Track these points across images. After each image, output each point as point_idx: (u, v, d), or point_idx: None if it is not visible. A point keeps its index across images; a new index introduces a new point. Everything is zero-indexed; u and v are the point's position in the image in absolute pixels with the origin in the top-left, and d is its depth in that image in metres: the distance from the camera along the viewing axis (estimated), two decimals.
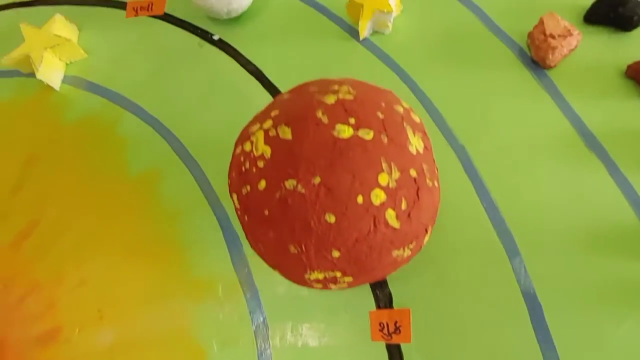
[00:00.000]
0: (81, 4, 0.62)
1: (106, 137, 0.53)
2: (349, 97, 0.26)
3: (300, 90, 0.28)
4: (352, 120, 0.25)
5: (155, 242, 0.46)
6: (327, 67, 0.50)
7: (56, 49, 0.55)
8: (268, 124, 0.26)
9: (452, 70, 0.47)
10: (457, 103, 0.45)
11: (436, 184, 0.28)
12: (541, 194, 0.40)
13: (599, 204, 0.39)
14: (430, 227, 0.29)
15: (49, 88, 0.57)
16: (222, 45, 0.54)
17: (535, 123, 0.43)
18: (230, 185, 0.29)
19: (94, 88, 0.56)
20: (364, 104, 0.26)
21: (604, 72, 0.44)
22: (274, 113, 0.27)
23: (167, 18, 0.58)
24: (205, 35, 0.55)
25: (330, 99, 0.26)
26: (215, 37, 0.55)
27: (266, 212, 0.25)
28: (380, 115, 0.26)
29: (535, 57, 0.44)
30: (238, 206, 0.28)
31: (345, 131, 0.25)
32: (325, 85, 0.28)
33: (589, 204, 0.39)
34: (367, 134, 0.25)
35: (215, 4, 0.49)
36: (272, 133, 0.26)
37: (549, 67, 0.44)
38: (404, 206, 0.25)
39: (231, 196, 0.29)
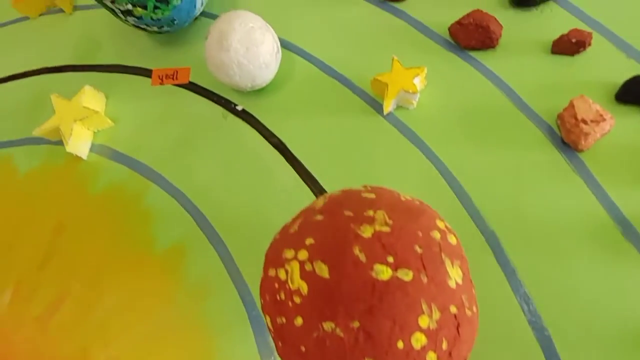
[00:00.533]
0: (108, 71, 0.63)
1: (132, 209, 0.54)
2: (386, 229, 0.26)
3: (333, 213, 0.28)
4: (390, 259, 0.24)
5: (181, 324, 0.46)
6: (350, 141, 0.50)
7: (85, 121, 0.56)
8: (303, 255, 0.26)
9: (479, 148, 0.46)
10: (486, 183, 0.44)
11: (475, 309, 0.27)
12: (578, 287, 0.39)
13: None
14: (469, 353, 0.28)
15: (77, 157, 0.58)
16: (246, 116, 0.55)
17: (568, 208, 0.42)
18: (263, 307, 0.29)
19: (120, 158, 0.57)
20: (401, 237, 0.25)
21: (639, 154, 0.42)
22: (308, 241, 0.27)
23: (192, 87, 0.59)
24: (228, 105, 0.56)
25: (367, 232, 0.26)
26: (239, 108, 0.55)
27: (302, 349, 0.25)
28: (419, 250, 0.25)
29: (566, 140, 0.43)
30: (272, 329, 0.28)
31: (384, 272, 0.24)
32: (359, 209, 0.27)
33: (630, 300, 0.38)
34: (407, 275, 0.24)
35: (239, 81, 0.50)
36: (308, 267, 0.25)
37: (581, 151, 0.43)
38: (444, 346, 0.24)
39: (264, 315, 0.29)
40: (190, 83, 0.59)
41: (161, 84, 0.60)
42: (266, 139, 0.53)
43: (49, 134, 0.58)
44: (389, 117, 0.50)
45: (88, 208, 0.55)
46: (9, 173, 0.60)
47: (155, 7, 0.51)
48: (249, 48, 0.47)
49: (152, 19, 0.53)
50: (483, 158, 0.46)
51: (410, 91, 0.45)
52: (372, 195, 0.29)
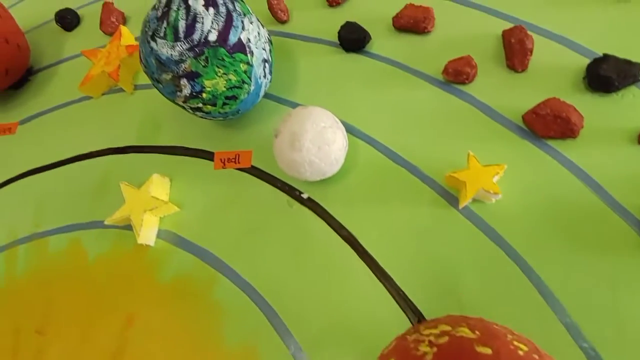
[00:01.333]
0: (170, 153, 0.65)
1: (201, 301, 0.54)
2: None
3: None
4: None
5: None
6: (424, 235, 0.49)
7: (154, 210, 0.57)
8: None
9: (568, 250, 0.43)
10: (579, 292, 0.42)
11: None
12: None
13: None
14: None
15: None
16: (312, 204, 0.54)
17: None
18: None
19: (187, 245, 0.58)
20: None
21: None
22: None
23: (255, 171, 0.59)
24: (293, 193, 0.56)
25: None
26: (305, 196, 0.55)
27: None
28: None
29: None
30: None
31: None
32: None
33: None
34: None
35: (309, 177, 0.50)
36: None
37: None
38: None
39: None
40: (253, 167, 0.60)
41: (223, 167, 0.61)
42: (335, 230, 0.52)
43: (119, 222, 0.59)
44: (465, 210, 0.48)
45: (157, 298, 0.56)
46: (79, 258, 0.62)
47: (224, 104, 0.52)
48: (321, 147, 0.47)
49: (219, 113, 0.54)
50: (572, 261, 0.43)
51: (492, 192, 0.44)
52: (488, 351, 0.28)
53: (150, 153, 0.67)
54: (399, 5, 0.62)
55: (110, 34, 0.80)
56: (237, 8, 0.50)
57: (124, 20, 0.81)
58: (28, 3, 0.95)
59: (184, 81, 0.48)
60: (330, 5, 0.66)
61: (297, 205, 0.55)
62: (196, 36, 0.46)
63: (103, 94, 0.75)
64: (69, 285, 0.61)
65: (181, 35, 0.46)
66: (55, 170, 0.71)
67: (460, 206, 0.48)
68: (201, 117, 0.57)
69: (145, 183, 0.59)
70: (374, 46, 0.62)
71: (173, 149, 0.65)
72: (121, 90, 0.74)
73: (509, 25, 0.56)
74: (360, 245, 0.50)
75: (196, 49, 0.47)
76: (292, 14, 0.69)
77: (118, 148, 0.69)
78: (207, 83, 0.49)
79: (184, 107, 0.55)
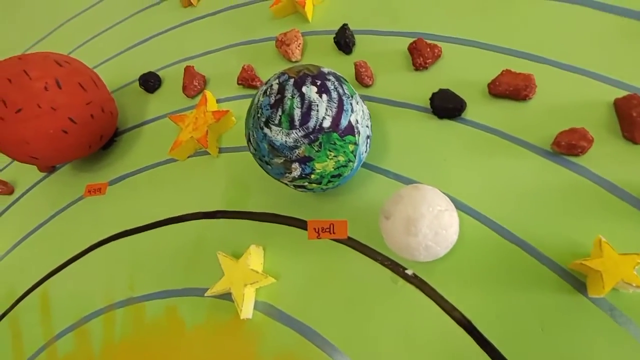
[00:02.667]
0: (260, 220, 0.66)
1: None
2: None
3: None
4: None
5: None
6: (548, 321, 0.46)
7: (254, 284, 0.58)
8: None
9: None
10: None
11: None
12: None
13: None
14: None
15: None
16: (418, 282, 0.53)
17: None
18: None
19: (286, 319, 0.57)
20: None
21: None
22: None
23: (352, 243, 0.59)
24: (397, 268, 0.55)
25: None
26: (409, 272, 0.54)
27: None
28: None
29: None
30: None
31: None
32: None
33: None
34: None
35: (422, 259, 0.48)
36: None
37: None
38: None
39: None
40: (350, 239, 0.59)
41: (318, 237, 0.61)
42: (447, 312, 0.50)
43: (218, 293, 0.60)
44: (599, 300, 0.45)
45: None
46: (175, 326, 0.63)
47: (329, 182, 0.53)
48: (438, 232, 0.46)
49: (321, 189, 0.55)
50: None
51: (634, 284, 0.41)
52: None
53: (240, 219, 0.68)
54: (491, 70, 0.61)
55: (193, 97, 0.84)
56: (345, 91, 0.50)
57: (205, 83, 0.85)
58: (110, 65, 1.01)
59: (295, 165, 0.49)
60: (417, 69, 0.66)
61: (401, 281, 0.54)
62: (311, 124, 0.47)
63: (188, 157, 0.78)
64: (167, 354, 0.62)
65: (297, 123, 0.47)
66: (148, 233, 0.73)
67: (594, 295, 0.45)
68: (300, 191, 0.58)
69: (244, 255, 0.60)
70: (468, 112, 0.61)
71: (263, 215, 0.66)
72: (206, 153, 0.76)
73: (619, 93, 0.54)
74: (478, 331, 0.48)
75: (311, 136, 0.47)
76: (377, 77, 0.70)
77: (208, 212, 0.70)
78: (317, 166, 0.49)
79: (284, 183, 0.56)
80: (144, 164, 0.81)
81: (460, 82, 0.63)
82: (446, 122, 0.61)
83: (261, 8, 0.89)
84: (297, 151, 0.48)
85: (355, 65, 0.68)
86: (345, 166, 0.52)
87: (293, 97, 0.48)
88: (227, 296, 0.61)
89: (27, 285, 0.78)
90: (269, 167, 0.52)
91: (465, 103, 0.59)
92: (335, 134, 0.48)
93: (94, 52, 1.05)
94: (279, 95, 0.49)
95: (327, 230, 0.61)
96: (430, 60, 0.65)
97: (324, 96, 0.48)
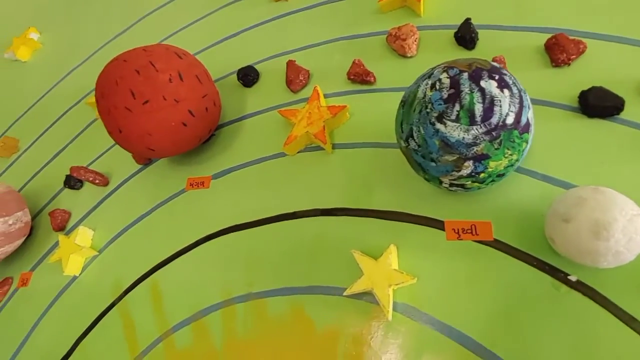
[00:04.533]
0: (388, 219, 0.64)
1: None
2: None
3: None
4: None
5: None
6: None
7: (398, 285, 0.56)
8: None
9: None
10: None
11: None
12: None
13: None
14: None
15: (377, 312, 0.58)
16: (586, 289, 0.50)
17: None
18: None
19: (430, 321, 0.55)
20: None
21: None
22: None
23: (500, 246, 0.56)
24: (557, 274, 0.52)
25: None
26: (572, 278, 0.51)
27: None
28: None
29: None
30: None
31: None
32: None
33: None
34: None
35: (603, 265, 0.46)
36: None
37: None
38: None
39: None
40: (496, 241, 0.57)
41: (459, 238, 0.59)
42: (625, 323, 0.48)
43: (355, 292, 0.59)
44: None
45: None
46: (304, 324, 0.62)
47: (492, 181, 0.51)
48: (632, 238, 0.43)
49: (478, 188, 0.53)
50: None
51: None
52: None
53: (364, 217, 0.66)
54: None
55: (297, 92, 0.83)
56: (521, 86, 0.48)
57: (309, 78, 0.84)
58: (206, 54, 1.00)
59: (468, 163, 0.47)
60: (557, 65, 0.63)
61: (564, 288, 0.51)
62: (494, 120, 0.45)
63: (298, 152, 0.77)
64: (298, 352, 0.61)
65: (477, 119, 0.45)
66: (261, 228, 0.72)
67: None
68: (445, 189, 0.56)
69: (384, 254, 0.58)
70: (625, 111, 0.57)
71: (391, 214, 0.64)
72: (318, 148, 0.75)
73: None
74: None
75: (493, 133, 0.45)
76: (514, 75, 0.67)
77: (327, 210, 0.69)
78: (491, 164, 0.47)
79: (425, 179, 0.54)
80: (249, 159, 0.81)
81: (609, 80, 0.60)
82: (598, 122, 0.58)
83: (360, 2, 0.88)
84: (475, 148, 0.46)
85: (494, 60, 0.65)
86: (512, 165, 0.49)
87: (472, 92, 0.46)
88: (359, 295, 0.60)
89: (134, 277, 0.78)
90: (432, 164, 0.50)
91: (624, 101, 0.56)
92: (516, 131, 0.46)
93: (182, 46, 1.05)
94: (452, 90, 0.47)
95: (469, 231, 0.58)
96: (574, 56, 0.62)
97: (506, 91, 0.46)
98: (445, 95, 0.47)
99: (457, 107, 0.46)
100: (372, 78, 0.76)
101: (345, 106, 0.73)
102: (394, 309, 0.58)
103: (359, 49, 0.82)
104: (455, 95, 0.46)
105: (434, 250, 0.59)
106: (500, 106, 0.45)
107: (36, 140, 1.12)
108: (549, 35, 0.65)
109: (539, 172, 0.58)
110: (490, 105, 0.45)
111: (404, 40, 0.75)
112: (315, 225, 0.69)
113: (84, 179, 0.90)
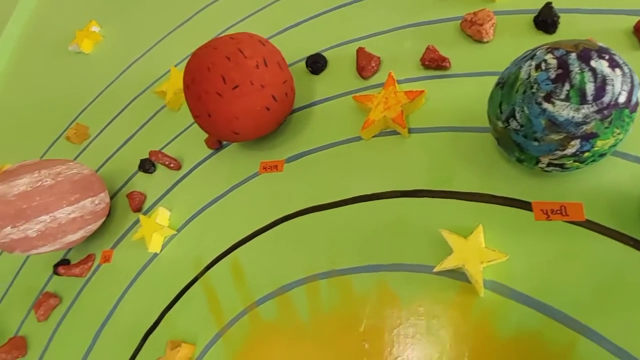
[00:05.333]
0: (472, 200, 0.65)
1: None
2: None
3: None
4: None
5: None
6: None
7: (491, 262, 0.58)
8: None
9: None
10: None
11: None
12: None
13: None
14: None
15: (468, 291, 0.60)
16: None
17: None
18: None
19: (522, 298, 0.57)
20: None
21: None
22: None
23: (593, 226, 0.57)
24: None
25: None
26: None
27: None
28: None
29: None
30: None
31: None
32: None
33: None
34: None
35: None
36: None
37: None
38: None
39: None
40: (588, 221, 0.58)
41: (548, 219, 0.60)
42: None
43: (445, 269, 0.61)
44: None
45: (497, 356, 0.56)
46: (389, 300, 0.64)
47: (592, 161, 0.51)
48: None
49: (576, 168, 0.54)
50: None
51: None
52: None
53: (446, 198, 0.68)
54: None
55: (368, 78, 0.85)
56: (630, 66, 0.49)
57: (380, 64, 0.85)
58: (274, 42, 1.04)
59: (575, 142, 0.48)
60: None
61: None
62: (606, 99, 0.46)
63: (373, 137, 0.79)
64: (384, 327, 0.63)
65: (589, 98, 0.46)
66: (340, 209, 0.75)
67: None
68: (539, 170, 0.57)
69: (474, 233, 0.60)
70: None
71: (474, 195, 0.66)
72: (393, 133, 0.77)
73: None
74: None
75: (604, 112, 0.46)
76: None
77: (407, 191, 0.71)
78: (598, 143, 0.48)
79: (519, 160, 0.55)
80: (321, 143, 0.83)
81: None
82: None
83: None
84: (584, 127, 0.47)
85: None
86: (615, 145, 0.50)
87: (582, 72, 0.46)
88: (446, 273, 0.62)
89: (214, 254, 0.83)
90: (534, 143, 0.51)
91: None
92: (627, 110, 0.47)
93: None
94: (560, 70, 0.48)
95: (558, 212, 0.59)
96: None
97: (617, 70, 0.46)
98: (552, 75, 0.48)
99: (566, 86, 0.47)
100: (448, 63, 0.77)
101: (423, 91, 0.74)
102: (485, 286, 0.60)
103: (430, 35, 0.83)
104: (564, 75, 0.47)
105: (521, 230, 0.61)
106: (613, 85, 0.46)
107: (105, 127, 1.18)
108: (639, 18, 0.65)
109: (630, 154, 0.59)
110: (602, 84, 0.46)
111: (481, 25, 0.75)
112: (396, 206, 0.71)
113: (161, 162, 0.95)
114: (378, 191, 0.74)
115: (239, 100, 0.71)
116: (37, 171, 0.84)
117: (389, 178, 0.74)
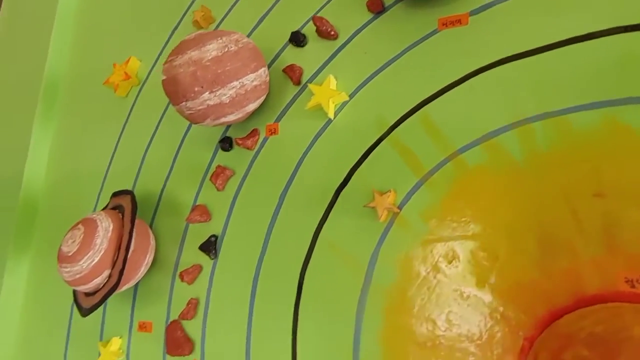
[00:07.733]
0: None
1: None
2: None
3: None
4: None
5: None
6: None
7: None
8: None
9: None
10: None
11: None
12: None
13: None
14: None
15: None
16: None
17: None
18: None
19: None
20: None
21: None
22: None
23: None
24: None
25: None
26: None
27: None
28: None
29: None
30: None
31: None
32: None
33: None
34: None
35: None
36: None
37: None
38: None
39: None
40: None
41: None
42: None
43: None
44: None
45: None
46: (621, 133, 0.66)
47: None
48: None
49: None
50: None
51: None
52: None
53: None
54: None
55: None
56: None
57: None
58: None
59: None
60: None
61: None
62: None
63: None
64: (619, 163, 0.65)
65: None
66: (544, 55, 0.73)
67: None
68: None
69: None
70: None
71: None
72: None
73: None
74: None
75: None
76: None
77: (633, 25, 0.68)
78: None
79: None
80: None
81: None
82: None
83: None
84: None
85: None
86: None
87: None
88: None
89: (398, 113, 0.84)
90: None
91: None
92: None
93: None
94: None
95: None
96: None
97: None
98: None
99: None
100: None
101: None
102: None
103: None
104: None
105: None
106: None
107: (229, 10, 1.14)
108: None
109: None
110: None
111: None
112: (620, 44, 0.68)
113: (324, 29, 0.92)
114: (594, 30, 0.71)
115: None
116: (219, 37, 0.84)
117: (606, 13, 0.70)
